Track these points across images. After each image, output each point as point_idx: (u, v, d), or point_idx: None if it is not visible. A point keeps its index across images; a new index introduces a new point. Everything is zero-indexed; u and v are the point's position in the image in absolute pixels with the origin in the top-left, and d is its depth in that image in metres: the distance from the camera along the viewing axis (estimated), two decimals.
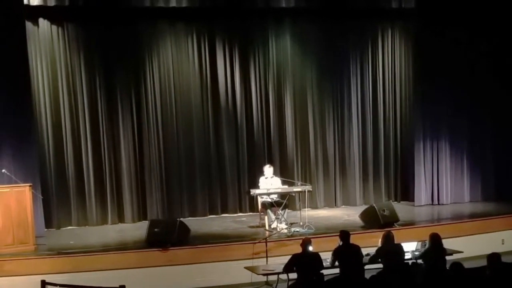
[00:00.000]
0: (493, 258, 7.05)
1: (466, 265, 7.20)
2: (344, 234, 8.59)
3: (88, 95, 12.90)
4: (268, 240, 9.85)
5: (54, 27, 12.68)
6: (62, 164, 12.81)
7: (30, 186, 10.65)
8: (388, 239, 8.63)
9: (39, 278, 7.59)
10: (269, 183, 11.73)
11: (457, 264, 7.01)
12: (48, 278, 7.56)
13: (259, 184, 11.82)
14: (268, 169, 11.94)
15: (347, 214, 13.09)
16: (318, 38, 14.07)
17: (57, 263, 9.80)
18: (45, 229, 11.96)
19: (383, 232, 8.91)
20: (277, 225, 11.28)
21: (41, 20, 12.58)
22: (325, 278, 8.42)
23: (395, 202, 13.95)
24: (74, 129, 12.87)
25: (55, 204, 12.67)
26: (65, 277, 9.07)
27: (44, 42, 12.63)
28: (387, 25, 14.51)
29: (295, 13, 13.67)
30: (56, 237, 11.77)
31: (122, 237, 11.67)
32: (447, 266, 7.99)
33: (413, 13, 13.63)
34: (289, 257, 8.42)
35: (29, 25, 12.24)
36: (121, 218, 13.14)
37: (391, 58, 14.56)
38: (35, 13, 12.31)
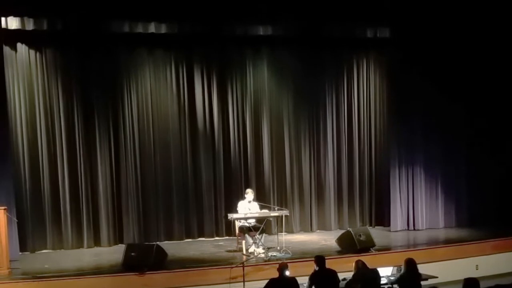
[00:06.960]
0: (470, 282, 7.12)
1: None
2: (320, 259, 8.67)
3: (65, 119, 12.87)
4: (245, 265, 9.83)
5: (32, 52, 12.67)
6: (38, 187, 12.72)
7: (5, 209, 10.54)
8: (359, 266, 8.66)
9: None
10: (247, 207, 11.80)
11: None
12: None
13: (238, 208, 11.88)
14: (249, 193, 12.02)
15: (323, 239, 13.17)
16: (294, 65, 14.26)
17: None
18: (20, 253, 11.86)
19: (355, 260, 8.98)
20: (254, 250, 11.32)
21: (19, 45, 12.56)
22: None
23: (370, 227, 14.09)
24: (51, 153, 12.81)
25: (30, 227, 12.56)
26: None
27: (22, 66, 12.60)
28: (362, 54, 14.75)
29: (273, 41, 13.84)
30: (31, 261, 11.65)
31: (98, 261, 11.57)
32: None
33: (387, 42, 13.92)
34: (266, 281, 8.42)
35: (6, 49, 12.20)
36: (97, 242, 13.05)
37: (366, 85, 14.78)
38: (13, 37, 12.27)
